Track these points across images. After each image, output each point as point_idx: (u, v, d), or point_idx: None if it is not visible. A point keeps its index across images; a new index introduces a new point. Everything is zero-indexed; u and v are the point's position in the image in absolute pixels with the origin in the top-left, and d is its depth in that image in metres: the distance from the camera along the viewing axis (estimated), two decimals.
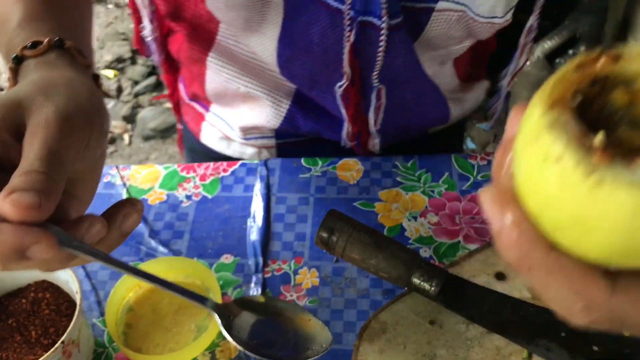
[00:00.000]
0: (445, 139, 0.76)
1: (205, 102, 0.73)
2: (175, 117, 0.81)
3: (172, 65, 0.73)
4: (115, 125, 2.01)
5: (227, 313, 0.42)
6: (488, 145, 1.87)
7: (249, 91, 0.66)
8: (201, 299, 0.41)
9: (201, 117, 0.74)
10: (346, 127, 0.64)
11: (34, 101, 0.34)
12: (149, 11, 0.63)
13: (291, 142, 0.70)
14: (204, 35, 0.63)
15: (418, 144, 0.73)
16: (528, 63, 1.61)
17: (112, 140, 1.99)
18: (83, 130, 0.35)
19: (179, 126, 0.81)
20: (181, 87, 0.75)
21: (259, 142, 0.71)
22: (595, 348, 0.47)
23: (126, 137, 1.99)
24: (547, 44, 1.58)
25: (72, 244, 0.33)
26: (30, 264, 0.33)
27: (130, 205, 0.36)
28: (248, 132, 0.70)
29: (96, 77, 0.42)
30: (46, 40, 0.40)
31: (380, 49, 0.56)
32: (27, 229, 0.31)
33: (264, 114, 0.67)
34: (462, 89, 0.72)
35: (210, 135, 0.74)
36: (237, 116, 0.70)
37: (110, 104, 2.06)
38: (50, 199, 0.32)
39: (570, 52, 1.61)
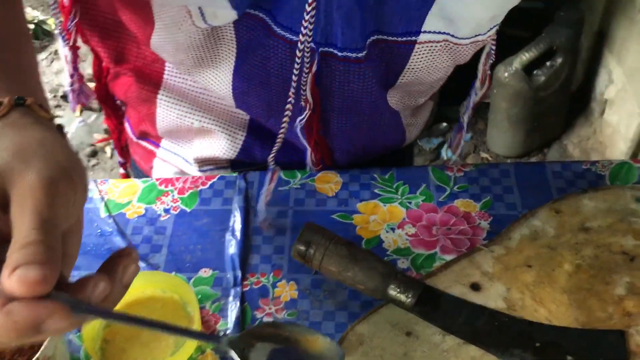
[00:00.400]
0: (395, 158, 0.76)
1: (156, 139, 0.72)
2: (121, 161, 0.78)
3: (115, 109, 0.72)
4: (98, 137, 2.00)
5: (241, 346, 0.42)
6: (468, 157, 1.89)
7: (202, 126, 0.66)
8: (215, 338, 0.40)
9: (152, 154, 0.73)
10: (309, 155, 0.64)
11: (14, 170, 0.33)
12: (71, 66, 0.63)
13: (248, 170, 0.70)
14: (150, 76, 0.63)
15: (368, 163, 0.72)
16: (506, 75, 1.63)
17: (94, 153, 1.98)
18: (68, 189, 0.34)
19: (122, 171, 0.80)
20: (127, 126, 0.74)
21: (215, 174, 0.70)
22: (569, 358, 0.48)
23: (108, 149, 1.98)
24: (525, 56, 1.60)
25: (81, 307, 0.32)
26: (45, 335, 0.32)
27: (127, 257, 0.35)
28: (203, 164, 0.70)
29: (60, 128, 0.41)
30: (6, 100, 0.38)
31: (339, 81, 0.56)
32: (39, 305, 0.30)
33: (220, 146, 0.67)
34: (413, 114, 0.72)
35: (162, 172, 0.73)
36: (191, 149, 0.69)
37: (92, 117, 2.06)
38: (53, 268, 0.31)
39: (548, 63, 1.63)
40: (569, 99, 1.76)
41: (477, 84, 0.64)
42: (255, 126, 0.66)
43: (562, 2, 1.76)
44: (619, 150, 1.61)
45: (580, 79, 1.81)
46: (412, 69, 0.58)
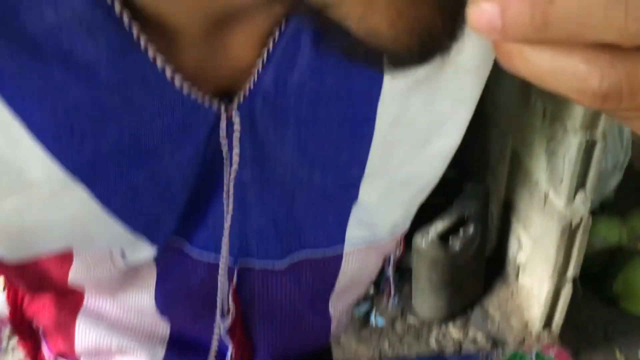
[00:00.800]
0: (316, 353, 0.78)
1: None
2: None
3: (31, 333, 0.73)
4: None
5: None
6: (396, 320, 1.92)
7: (121, 345, 0.67)
8: None
9: None
10: (230, 356, 0.66)
11: None
12: None
13: None
14: (70, 302, 0.64)
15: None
16: (424, 243, 1.73)
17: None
18: None
19: None
20: (43, 348, 0.74)
21: None
22: None
23: None
24: (440, 225, 1.71)
25: None
26: None
27: None
28: None
29: None
30: None
31: (260, 290, 0.60)
32: None
33: None
34: (346, 311, 0.76)
35: None
36: None
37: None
38: None
39: (462, 231, 1.74)
40: (486, 263, 1.86)
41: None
42: (175, 340, 0.67)
43: (470, 174, 1.92)
44: (534, 313, 1.68)
45: (494, 245, 1.93)
46: (344, 277, 0.61)
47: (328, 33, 0.34)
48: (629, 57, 0.21)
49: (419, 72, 0.48)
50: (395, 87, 0.48)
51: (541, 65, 0.22)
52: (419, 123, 0.52)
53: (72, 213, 0.46)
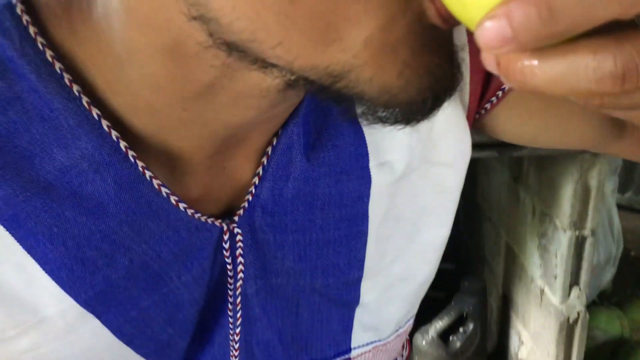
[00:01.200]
0: None
1: None
2: None
3: None
4: None
5: None
6: None
7: None
8: None
9: None
10: None
11: None
12: None
13: None
14: None
15: None
16: (424, 343, 1.72)
17: None
18: None
19: None
20: None
21: None
22: None
23: None
24: (439, 324, 1.71)
25: None
26: None
27: None
28: None
29: None
30: None
31: None
32: None
33: None
34: None
35: None
36: None
37: None
38: None
39: (461, 329, 1.73)
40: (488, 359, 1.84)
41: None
42: None
43: (467, 267, 1.93)
44: None
45: (495, 341, 1.91)
46: None
47: (341, 104, 0.36)
48: (633, 35, 0.22)
49: (401, 169, 0.52)
50: (383, 183, 0.52)
51: (554, 71, 0.23)
52: (406, 216, 0.55)
53: (86, 344, 0.47)
